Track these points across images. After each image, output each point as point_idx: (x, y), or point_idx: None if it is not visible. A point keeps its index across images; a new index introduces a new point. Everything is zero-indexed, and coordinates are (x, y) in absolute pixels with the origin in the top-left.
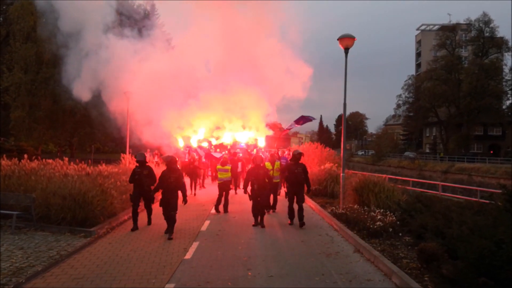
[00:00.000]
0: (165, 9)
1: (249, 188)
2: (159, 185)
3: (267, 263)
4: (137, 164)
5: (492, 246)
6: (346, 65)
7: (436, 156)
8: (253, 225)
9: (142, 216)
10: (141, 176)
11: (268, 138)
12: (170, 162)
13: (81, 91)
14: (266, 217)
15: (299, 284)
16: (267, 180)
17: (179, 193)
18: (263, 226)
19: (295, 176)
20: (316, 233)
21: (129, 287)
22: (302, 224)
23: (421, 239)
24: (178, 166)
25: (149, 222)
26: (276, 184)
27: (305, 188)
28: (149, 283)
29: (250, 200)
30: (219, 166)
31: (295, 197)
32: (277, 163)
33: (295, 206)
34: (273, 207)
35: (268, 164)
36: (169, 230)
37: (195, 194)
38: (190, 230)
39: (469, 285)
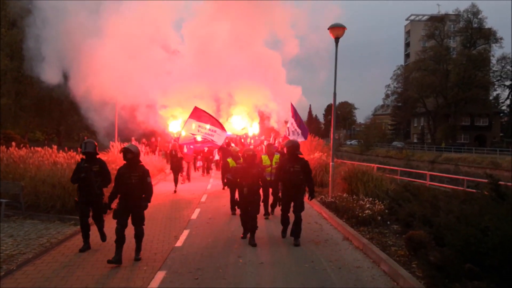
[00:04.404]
0: None
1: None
2: (115, 188)
3: (257, 250)
4: (83, 157)
5: (478, 234)
6: (337, 54)
7: (424, 146)
8: (242, 237)
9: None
10: (89, 173)
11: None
12: (131, 155)
13: (48, 71)
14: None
15: (288, 271)
16: (261, 183)
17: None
18: (253, 244)
19: (290, 176)
20: (305, 222)
21: (121, 273)
22: (296, 242)
23: (409, 227)
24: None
25: (103, 238)
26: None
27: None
28: (140, 270)
29: (237, 208)
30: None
31: (291, 204)
32: (277, 156)
33: (291, 216)
34: (273, 209)
35: (265, 158)
36: (137, 248)
37: (175, 191)
38: (181, 218)
39: (455, 271)
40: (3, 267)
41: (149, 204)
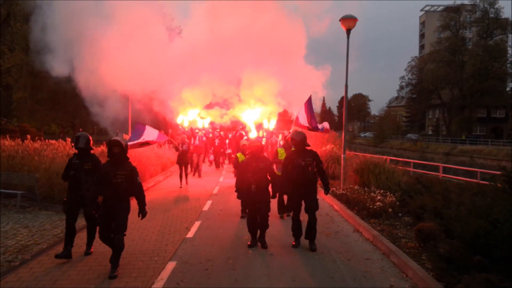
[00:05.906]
0: None
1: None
2: (96, 190)
3: (267, 241)
4: (76, 152)
5: (488, 226)
6: (348, 46)
7: (439, 138)
8: (249, 245)
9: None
10: (80, 171)
11: (281, 116)
12: (118, 149)
13: (58, 63)
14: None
15: (298, 262)
16: (269, 178)
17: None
18: (264, 247)
19: (302, 171)
20: (316, 214)
21: (132, 264)
22: (312, 246)
23: (420, 219)
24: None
25: (88, 249)
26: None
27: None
28: (151, 260)
29: (246, 211)
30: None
31: (302, 203)
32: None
33: (302, 217)
34: (287, 210)
35: (281, 151)
36: (113, 262)
37: (184, 184)
38: (192, 210)
39: (464, 263)
40: (18, 257)
41: (159, 196)
